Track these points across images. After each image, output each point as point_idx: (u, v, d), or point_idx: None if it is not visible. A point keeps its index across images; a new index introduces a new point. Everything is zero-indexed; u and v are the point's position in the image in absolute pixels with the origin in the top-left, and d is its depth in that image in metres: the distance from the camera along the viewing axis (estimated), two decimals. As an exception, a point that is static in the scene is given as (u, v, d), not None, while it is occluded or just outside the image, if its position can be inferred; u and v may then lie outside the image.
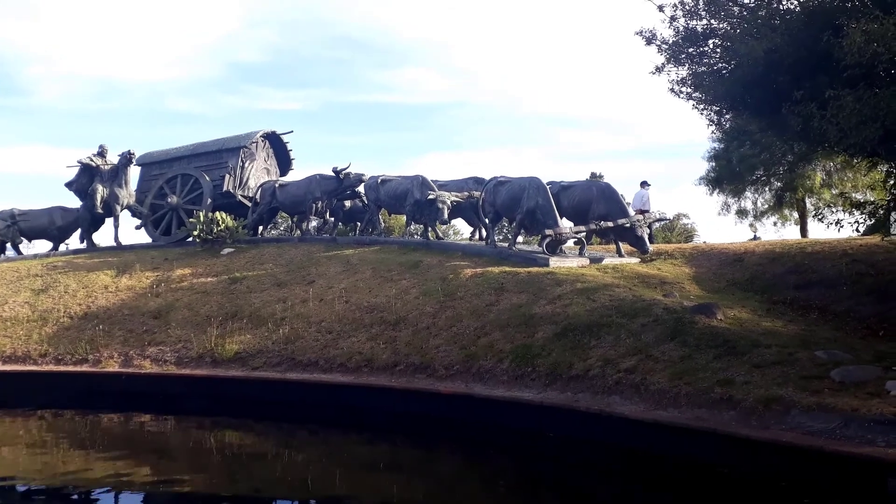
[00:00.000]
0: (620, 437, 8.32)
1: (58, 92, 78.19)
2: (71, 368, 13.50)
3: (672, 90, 10.85)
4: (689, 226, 42.95)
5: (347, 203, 20.70)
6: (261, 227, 21.22)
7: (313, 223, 21.98)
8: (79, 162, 20.54)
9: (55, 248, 21.53)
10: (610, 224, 14.08)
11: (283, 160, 22.35)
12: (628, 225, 14.12)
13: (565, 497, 7.52)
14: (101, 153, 20.70)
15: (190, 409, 12.17)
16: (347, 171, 18.80)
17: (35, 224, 21.22)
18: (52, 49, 73.90)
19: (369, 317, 13.14)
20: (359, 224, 21.14)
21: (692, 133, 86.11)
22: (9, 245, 21.42)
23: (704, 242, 23.16)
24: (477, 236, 18.50)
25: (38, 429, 11.39)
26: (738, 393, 7.94)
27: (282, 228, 33.55)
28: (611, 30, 78.68)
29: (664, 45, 10.59)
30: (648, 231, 14.78)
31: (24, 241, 21.66)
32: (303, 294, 14.61)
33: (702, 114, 10.99)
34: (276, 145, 22.11)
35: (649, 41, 10.62)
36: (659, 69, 10.77)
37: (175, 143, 22.20)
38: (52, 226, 21.25)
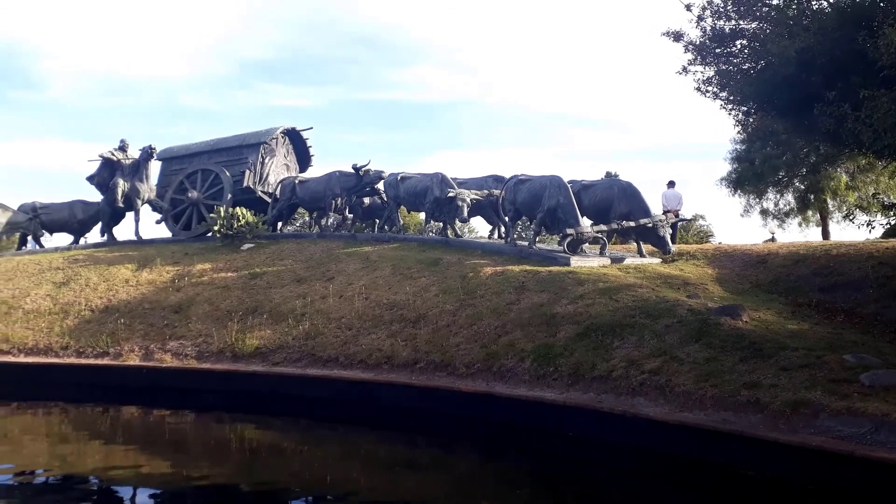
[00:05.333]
0: (645, 438, 8.22)
1: (71, 87, 79.12)
2: (92, 361, 13.56)
3: (699, 89, 10.75)
4: (705, 227, 42.64)
5: (367, 200, 20.72)
6: (280, 223, 21.28)
7: (331, 219, 22.03)
8: (100, 156, 20.71)
9: (76, 241, 21.73)
10: (632, 224, 13.98)
11: (303, 156, 22.43)
12: (650, 225, 14.02)
13: (587, 498, 7.45)
14: (123, 148, 20.83)
15: (210, 403, 12.18)
16: (367, 167, 18.81)
17: (56, 217, 21.41)
18: (66, 44, 74.70)
19: (389, 314, 13.11)
20: (377, 221, 21.17)
21: (706, 134, 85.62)
22: (30, 238, 21.61)
23: (720, 243, 22.97)
24: (496, 235, 18.45)
25: (59, 421, 11.43)
26: (766, 396, 7.83)
27: (297, 224, 33.65)
28: (624, 29, 78.32)
29: (691, 45, 10.47)
30: (671, 231, 14.64)
31: (46, 234, 21.83)
32: (322, 290, 14.62)
33: (730, 114, 10.89)
34: (296, 142, 22.19)
35: (676, 40, 10.51)
36: (685, 69, 10.67)
37: (188, 139, 22.52)
38: (73, 219, 21.42)
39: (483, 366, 10.64)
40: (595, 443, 8.72)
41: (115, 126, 78.43)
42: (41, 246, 21.32)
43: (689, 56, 10.56)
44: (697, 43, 10.37)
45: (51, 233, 21.95)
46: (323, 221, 20.01)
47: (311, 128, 22.21)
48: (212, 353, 13.18)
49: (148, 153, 20.18)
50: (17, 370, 13.78)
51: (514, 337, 10.97)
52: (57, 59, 75.86)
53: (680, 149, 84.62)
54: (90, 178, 20.96)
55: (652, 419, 8.21)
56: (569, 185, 14.38)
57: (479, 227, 33.49)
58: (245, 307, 14.39)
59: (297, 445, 9.94)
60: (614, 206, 14.41)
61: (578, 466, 8.44)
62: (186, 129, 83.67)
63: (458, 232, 18.42)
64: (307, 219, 26.95)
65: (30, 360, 14.01)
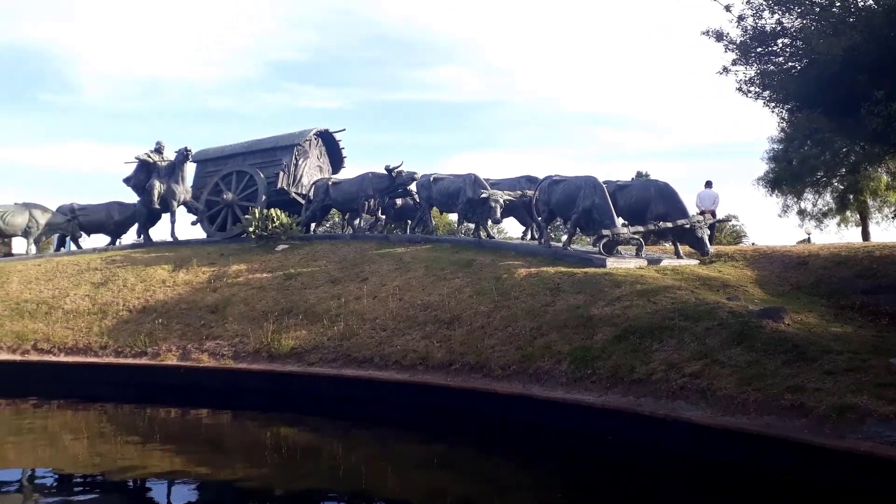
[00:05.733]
0: (685, 442, 8.12)
1: (104, 90, 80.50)
2: (130, 361, 13.77)
3: (740, 89, 10.61)
4: (738, 227, 42.06)
5: (399, 201, 20.73)
6: (313, 224, 21.40)
7: (363, 220, 22.09)
8: (136, 158, 20.99)
9: (112, 242, 22.03)
10: (669, 225, 13.81)
11: (336, 158, 22.53)
12: (688, 226, 13.83)
13: (626, 502, 7.37)
14: (159, 150, 21.09)
15: (246, 403, 12.28)
16: (400, 169, 18.84)
17: (94, 219, 21.73)
18: (100, 49, 76.06)
19: (423, 315, 13.11)
20: (409, 222, 21.20)
21: (737, 134, 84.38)
22: (68, 239, 21.97)
23: (753, 244, 22.62)
24: (529, 236, 18.36)
25: (98, 420, 11.59)
26: (810, 400, 7.67)
27: (327, 225, 33.81)
28: (653, 28, 77.56)
29: (732, 45, 10.32)
30: (709, 232, 14.43)
31: (83, 235, 22.16)
32: (356, 291, 14.66)
33: (773, 112, 10.71)
34: (329, 143, 22.30)
35: (718, 39, 10.37)
36: (726, 69, 10.52)
37: (216, 141, 22.64)
38: (110, 220, 21.74)
39: (519, 368, 10.59)
40: (634, 446, 8.62)
41: (145, 128, 80.00)
42: (79, 247, 21.64)
43: (731, 56, 10.42)
44: (738, 42, 10.20)
45: (88, 234, 22.26)
46: (356, 222, 20.07)
47: (344, 129, 22.31)
48: (248, 353, 13.29)
49: (184, 155, 20.41)
50: (58, 369, 14.04)
51: (550, 339, 10.89)
52: (91, 64, 77.47)
53: (711, 149, 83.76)
54: (127, 180, 21.25)
55: (693, 423, 8.09)
56: (604, 186, 14.25)
57: (510, 229, 33.39)
58: (280, 308, 14.49)
59: (333, 446, 9.98)
60: (650, 206, 14.24)
61: (617, 470, 8.35)
62: (216, 131, 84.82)
63: (491, 233, 18.36)
64: (337, 220, 27.03)
65: (70, 359, 14.26)
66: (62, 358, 14.35)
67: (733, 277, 12.99)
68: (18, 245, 22.54)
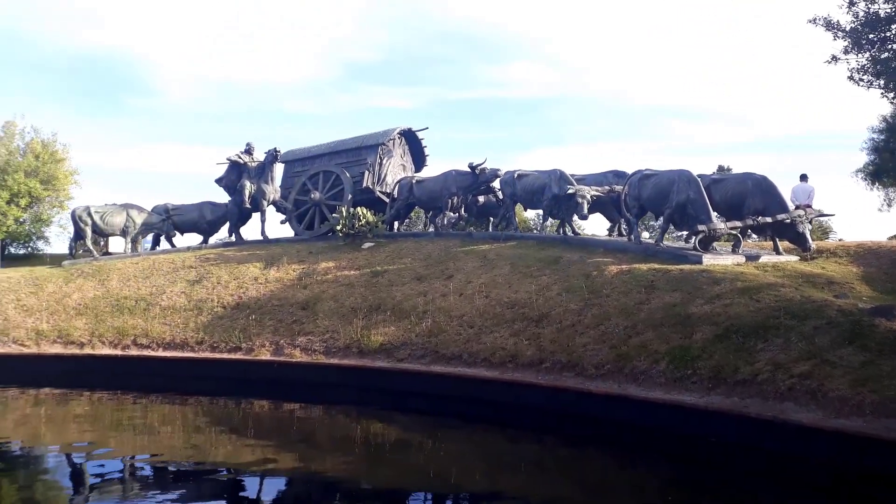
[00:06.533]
0: (795, 446, 7.74)
1: (185, 93, 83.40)
2: (226, 356, 14.16)
3: (851, 78, 10.06)
4: (825, 223, 40.15)
5: (481, 198, 20.67)
6: (396, 222, 21.54)
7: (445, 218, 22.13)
8: (228, 159, 21.60)
9: (205, 241, 22.71)
10: (769, 219, 13.25)
11: (418, 157, 22.65)
12: (789, 221, 13.25)
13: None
14: (249, 151, 21.65)
15: (337, 398, 12.44)
16: (483, 166, 18.76)
17: (187, 218, 22.42)
18: (181, 54, 78.90)
19: (510, 312, 12.99)
20: (491, 219, 21.10)
21: (815, 124, 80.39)
22: (162, 238, 22.77)
23: (840, 240, 21.49)
24: (615, 233, 17.98)
25: (194, 413, 11.92)
26: (936, 404, 7.19)
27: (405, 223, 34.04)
28: (726, 15, 74.76)
29: (842, 33, 9.79)
30: (809, 227, 13.78)
31: (177, 233, 22.92)
32: (442, 288, 14.67)
33: (892, 102, 10.10)
34: (412, 142, 22.43)
35: (829, 28, 9.86)
36: (836, 58, 10.01)
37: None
38: (203, 220, 22.40)
39: (613, 367, 10.34)
40: (740, 449, 8.27)
41: (224, 130, 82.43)
42: (172, 245, 22.40)
43: (842, 44, 9.86)
44: (849, 29, 9.67)
45: (181, 233, 22.98)
46: (439, 220, 20.09)
47: (427, 128, 22.38)
48: (338, 349, 13.47)
49: (273, 156, 20.88)
50: (157, 364, 14.56)
51: (645, 338, 10.60)
52: (171, 68, 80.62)
53: (790, 140, 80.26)
54: (218, 181, 21.89)
55: (804, 425, 7.72)
56: (699, 180, 13.79)
57: (591, 226, 32.85)
58: (368, 304, 14.62)
59: (422, 441, 9.96)
60: (748, 201, 13.68)
61: (722, 473, 8.02)
62: (292, 132, 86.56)
63: (576, 230, 18.07)
64: (415, 217, 27.11)
65: (168, 354, 14.77)
66: (160, 353, 14.88)
67: (838, 274, 12.37)
68: (114, 244, 23.62)
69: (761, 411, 8.22)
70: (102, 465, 8.28)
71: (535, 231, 18.98)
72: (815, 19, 10.09)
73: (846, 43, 9.86)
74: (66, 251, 22.51)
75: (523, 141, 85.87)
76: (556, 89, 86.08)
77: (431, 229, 19.99)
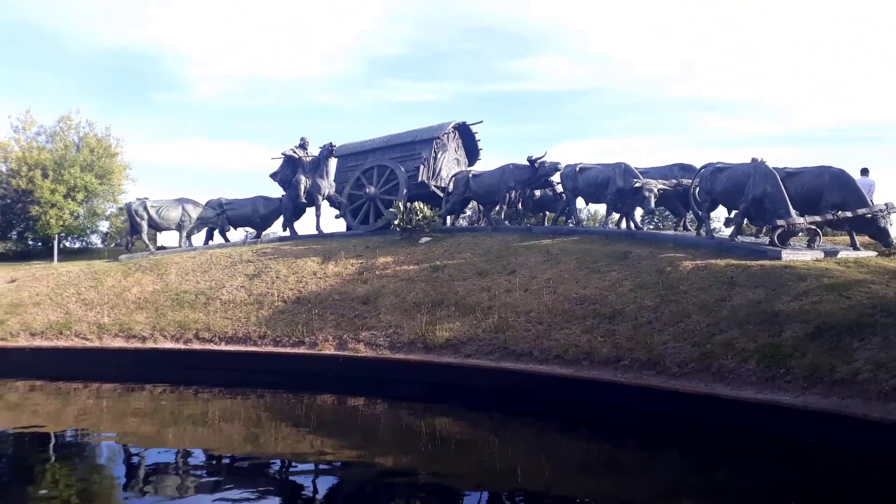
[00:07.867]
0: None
1: (212, 89, 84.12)
2: (290, 350, 14.07)
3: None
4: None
5: (537, 192, 20.38)
6: (451, 217, 21.34)
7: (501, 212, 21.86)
8: (283, 154, 21.62)
9: (258, 235, 22.77)
10: (848, 214, 12.75)
11: (472, 150, 22.44)
12: (869, 215, 12.73)
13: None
14: (303, 145, 21.63)
15: (403, 393, 12.26)
16: (542, 159, 18.47)
17: (240, 213, 22.50)
18: (210, 50, 79.59)
19: (580, 309, 12.69)
20: (547, 213, 20.79)
21: (849, 116, 77.93)
22: (216, 232, 22.86)
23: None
24: (681, 227, 17.54)
25: (256, 407, 11.82)
26: None
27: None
28: (757, 6, 72.74)
29: None
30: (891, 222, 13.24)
31: (231, 228, 23.01)
32: (506, 284, 14.41)
33: None
34: (465, 135, 22.22)
35: None
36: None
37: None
38: (256, 214, 22.47)
39: (698, 365, 9.98)
40: (843, 451, 7.86)
41: (251, 125, 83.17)
42: (226, 240, 22.48)
43: None
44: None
45: (235, 227, 23.09)
46: (495, 215, 19.83)
47: (482, 121, 22.18)
48: (403, 344, 13.29)
49: (328, 150, 20.80)
50: (220, 358, 14.55)
51: (730, 336, 10.21)
52: (198, 64, 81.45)
53: (822, 134, 78.22)
54: (273, 175, 21.92)
55: (917, 430, 7.30)
56: (776, 173, 13.32)
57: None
58: (430, 299, 14.43)
59: (489, 438, 9.68)
60: (825, 195, 13.18)
61: (826, 478, 7.62)
62: (320, 126, 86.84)
63: (640, 224, 17.67)
64: (468, 212, 26.90)
65: (231, 348, 14.74)
66: (223, 347, 14.85)
67: (928, 271, 11.81)
68: (164, 238, 23.83)
69: (867, 412, 7.80)
70: (166, 456, 8.42)
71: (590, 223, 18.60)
72: None
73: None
74: (101, 245, 22.59)
75: (549, 134, 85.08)
76: (583, 83, 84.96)
77: (485, 223, 19.74)
